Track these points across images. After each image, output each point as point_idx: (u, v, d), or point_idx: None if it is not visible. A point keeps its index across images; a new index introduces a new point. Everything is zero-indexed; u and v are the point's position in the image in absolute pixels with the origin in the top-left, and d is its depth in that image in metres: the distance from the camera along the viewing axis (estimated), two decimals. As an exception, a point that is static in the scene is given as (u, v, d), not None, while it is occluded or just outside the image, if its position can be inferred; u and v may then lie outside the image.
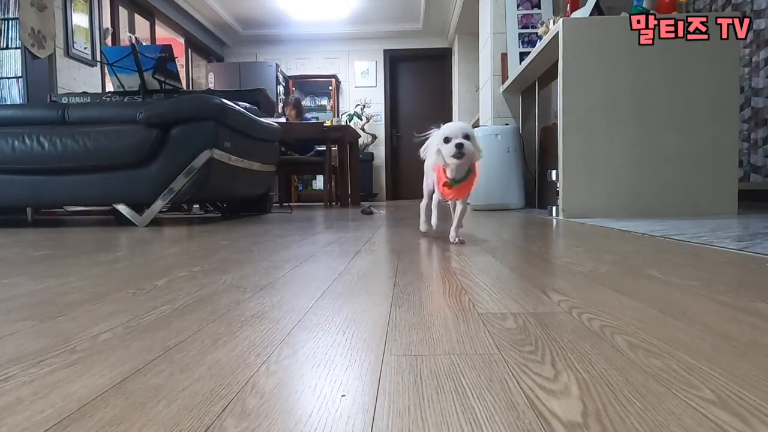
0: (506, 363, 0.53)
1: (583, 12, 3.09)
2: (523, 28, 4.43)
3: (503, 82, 4.49)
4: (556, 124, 3.10)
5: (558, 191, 2.97)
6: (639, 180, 2.86)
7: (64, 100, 3.59)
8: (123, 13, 5.83)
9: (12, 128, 2.81)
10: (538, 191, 4.16)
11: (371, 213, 3.77)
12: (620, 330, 0.64)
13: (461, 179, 1.59)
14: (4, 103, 4.11)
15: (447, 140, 1.52)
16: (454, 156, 1.49)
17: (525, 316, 0.73)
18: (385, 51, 8.23)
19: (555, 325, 0.68)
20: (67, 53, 4.73)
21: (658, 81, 2.83)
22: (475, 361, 0.54)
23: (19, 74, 4.17)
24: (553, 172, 3.07)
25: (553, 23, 3.26)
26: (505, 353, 0.56)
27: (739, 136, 2.95)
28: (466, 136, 1.52)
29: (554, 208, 3.07)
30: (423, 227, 1.93)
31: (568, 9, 3.35)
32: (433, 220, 1.82)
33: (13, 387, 0.48)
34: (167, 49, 3.42)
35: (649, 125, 2.85)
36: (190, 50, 7.49)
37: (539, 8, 4.43)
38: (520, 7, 4.44)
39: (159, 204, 2.79)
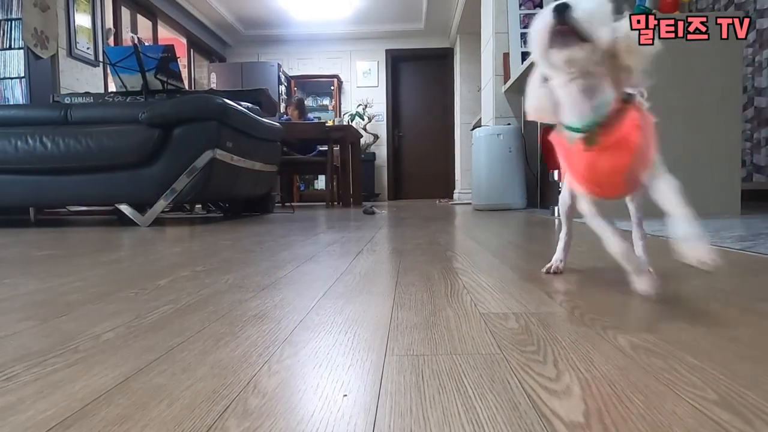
0: (508, 363, 0.53)
1: (585, 12, 3.08)
2: (525, 27, 4.42)
3: (505, 82, 4.48)
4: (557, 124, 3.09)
5: (560, 191, 2.97)
6: (641, 180, 2.85)
7: (67, 101, 3.59)
8: (125, 13, 5.84)
9: (15, 128, 2.81)
10: (540, 191, 4.15)
11: (373, 213, 3.77)
12: (622, 330, 0.64)
13: (596, 121, 0.72)
14: (7, 104, 4.12)
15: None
16: (551, 44, 0.68)
17: (527, 316, 0.73)
18: (387, 51, 8.22)
19: (557, 325, 0.68)
20: (70, 53, 4.74)
21: (659, 81, 2.82)
22: (477, 361, 0.54)
23: (22, 74, 4.18)
24: (555, 172, 3.07)
25: (555, 23, 3.25)
26: (507, 353, 0.56)
27: (742, 136, 2.95)
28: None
29: (556, 208, 3.07)
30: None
31: (570, 9, 3.34)
32: (558, 255, 1.07)
33: (16, 386, 0.48)
34: (169, 49, 3.42)
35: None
36: (192, 50, 7.50)
37: (541, 8, 4.42)
38: (522, 7, 4.44)
39: (161, 204, 2.79)
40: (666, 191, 0.72)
